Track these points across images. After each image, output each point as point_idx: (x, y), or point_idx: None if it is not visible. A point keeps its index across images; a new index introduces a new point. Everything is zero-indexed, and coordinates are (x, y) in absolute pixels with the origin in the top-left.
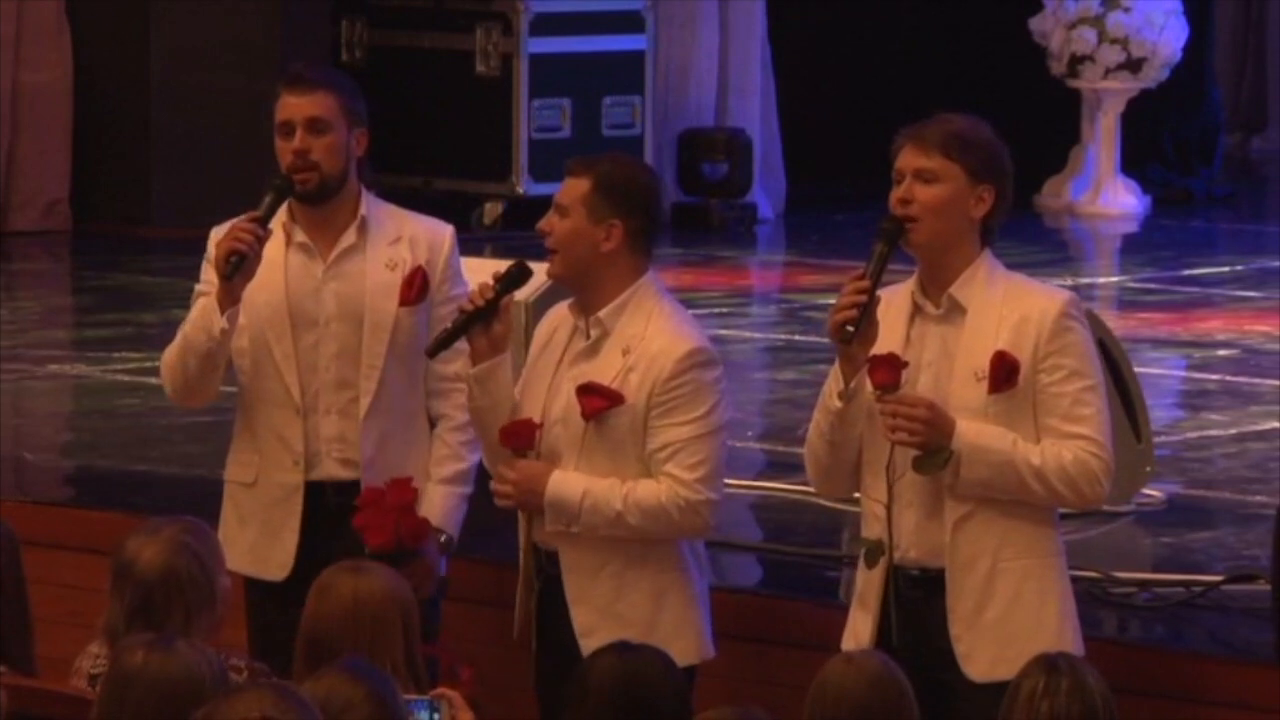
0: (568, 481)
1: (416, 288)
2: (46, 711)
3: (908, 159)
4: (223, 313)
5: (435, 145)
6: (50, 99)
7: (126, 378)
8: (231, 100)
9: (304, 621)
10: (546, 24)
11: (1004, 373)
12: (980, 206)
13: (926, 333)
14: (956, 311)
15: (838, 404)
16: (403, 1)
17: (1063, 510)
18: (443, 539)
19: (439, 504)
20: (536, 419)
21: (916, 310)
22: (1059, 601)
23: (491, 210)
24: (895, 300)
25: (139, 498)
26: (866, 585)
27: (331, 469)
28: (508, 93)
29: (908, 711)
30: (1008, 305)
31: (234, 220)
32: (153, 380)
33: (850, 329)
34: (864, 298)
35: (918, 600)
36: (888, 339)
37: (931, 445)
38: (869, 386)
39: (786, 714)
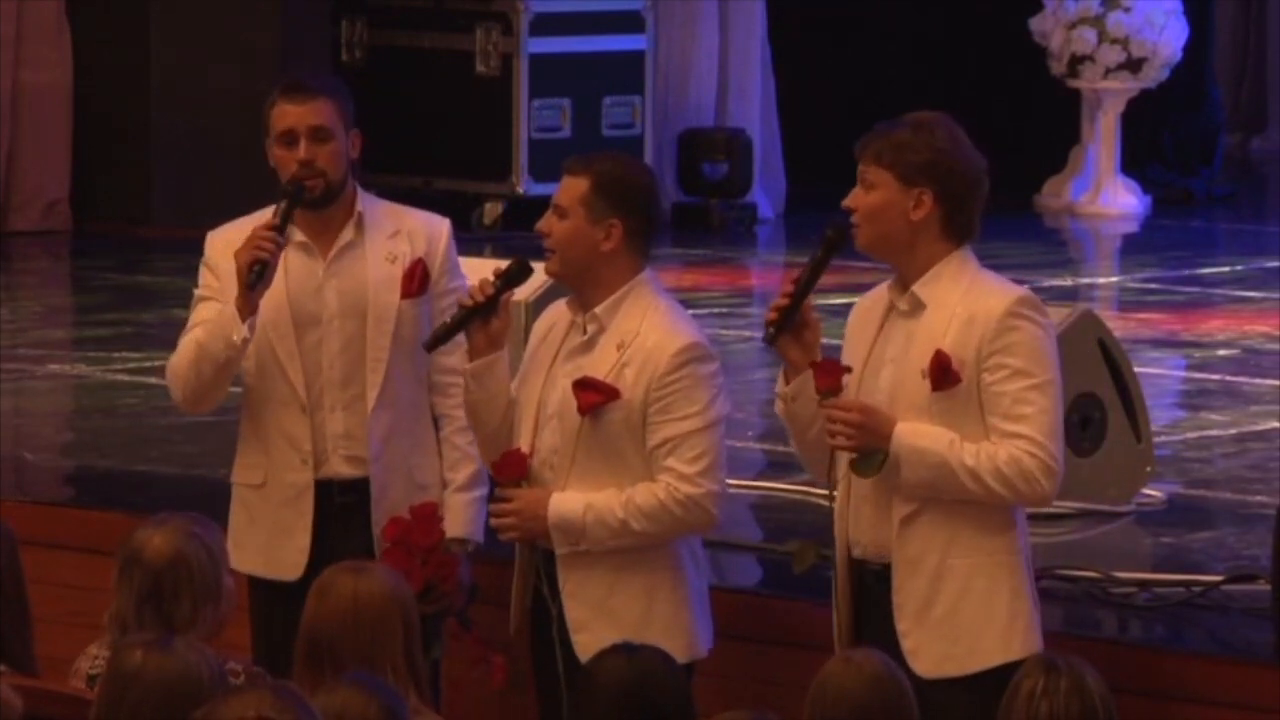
0: (568, 500)
1: (417, 279)
2: (46, 711)
3: (859, 167)
4: (243, 321)
5: (435, 145)
6: (50, 99)
7: (126, 378)
8: (231, 100)
9: (304, 622)
10: (546, 24)
11: (940, 372)
12: (919, 210)
13: (895, 328)
14: (919, 308)
15: (780, 405)
16: (403, 1)
17: (1032, 511)
18: (469, 548)
19: (461, 514)
20: (533, 413)
21: (891, 306)
22: (1009, 600)
23: (491, 210)
24: (880, 297)
25: (139, 498)
26: (836, 580)
27: (338, 466)
28: (508, 93)
29: (908, 711)
30: (962, 304)
31: (230, 225)
32: (153, 380)
33: (772, 330)
34: (787, 301)
35: (881, 592)
36: (864, 333)
37: (867, 448)
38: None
39: (786, 714)
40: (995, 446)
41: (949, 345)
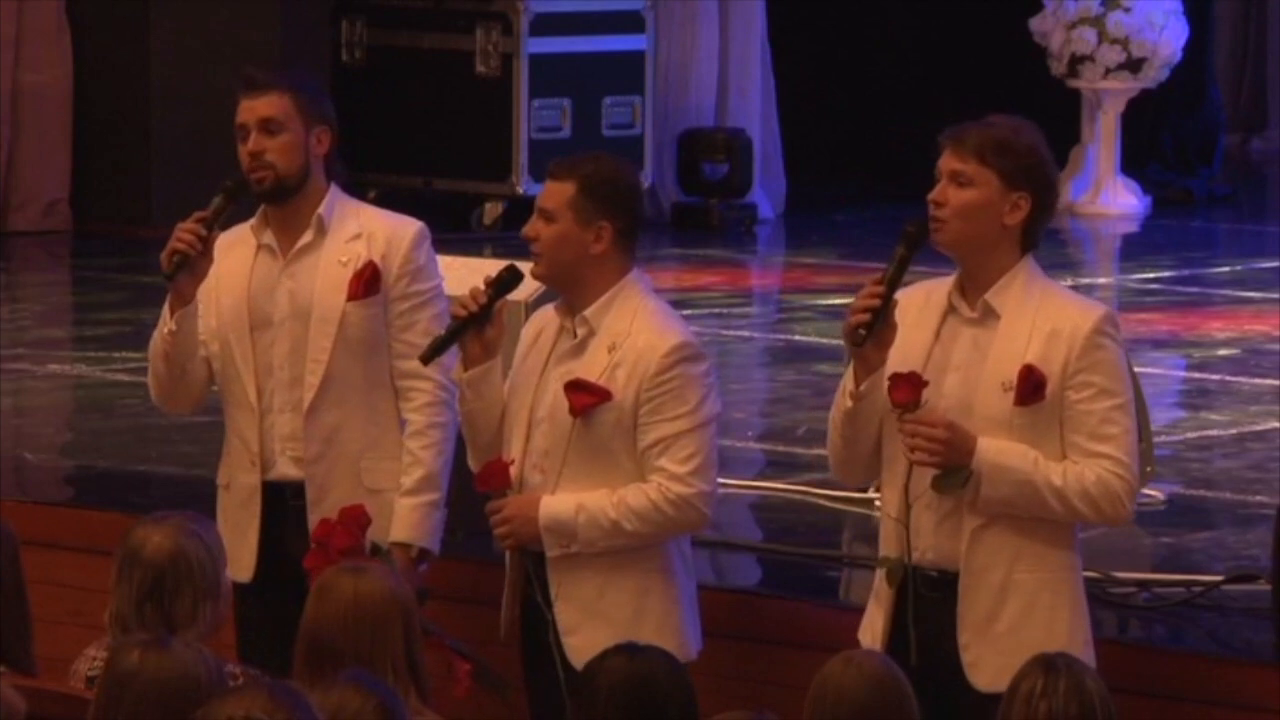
0: (559, 502)
1: (364, 281)
2: (46, 711)
3: (946, 161)
4: (172, 314)
5: (435, 145)
6: (50, 99)
7: (126, 378)
8: (231, 100)
9: (304, 622)
10: (546, 24)
11: (1030, 386)
12: (1015, 214)
13: (959, 334)
14: (991, 317)
15: (849, 403)
16: (403, 1)
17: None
18: (413, 553)
19: (405, 518)
20: (524, 417)
21: (951, 310)
22: (1070, 615)
23: (491, 210)
24: (933, 297)
25: (139, 498)
26: (882, 582)
27: (286, 468)
28: (508, 93)
29: (908, 712)
30: (1041, 316)
31: (228, 231)
32: None
33: (863, 332)
34: (878, 301)
35: (935, 601)
36: (918, 334)
37: (951, 465)
38: (884, 389)
39: (786, 714)
40: (1081, 467)
41: (1032, 360)
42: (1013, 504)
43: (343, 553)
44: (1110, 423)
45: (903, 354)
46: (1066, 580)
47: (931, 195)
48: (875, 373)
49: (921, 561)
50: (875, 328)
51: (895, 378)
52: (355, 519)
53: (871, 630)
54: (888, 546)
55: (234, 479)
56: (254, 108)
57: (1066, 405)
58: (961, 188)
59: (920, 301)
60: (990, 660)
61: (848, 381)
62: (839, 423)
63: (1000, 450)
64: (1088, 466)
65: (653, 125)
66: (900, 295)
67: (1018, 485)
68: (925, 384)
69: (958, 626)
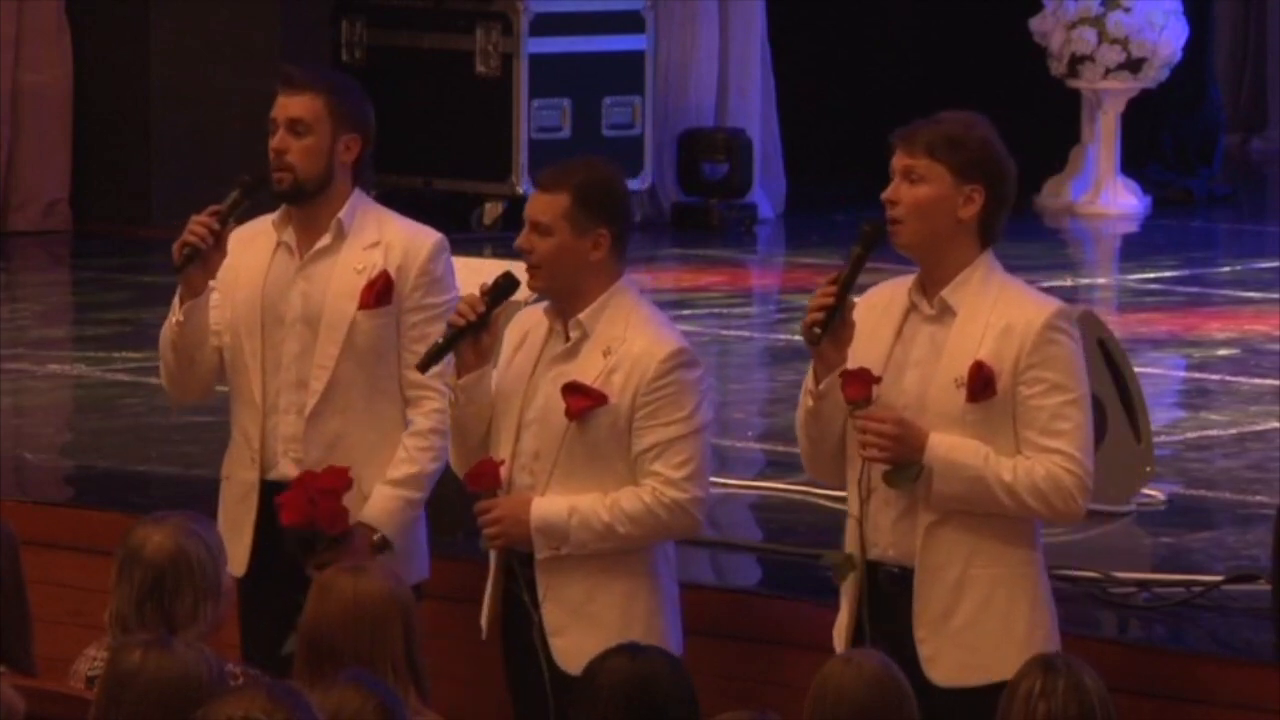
0: (552, 504)
1: (376, 291)
2: (46, 711)
3: (897, 158)
4: (181, 305)
5: (435, 145)
6: (50, 99)
7: (126, 378)
8: (231, 100)
9: (304, 622)
10: (546, 24)
11: (980, 383)
12: (969, 207)
13: (918, 331)
14: (948, 314)
15: (810, 403)
16: (403, 1)
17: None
18: (376, 537)
19: (378, 503)
20: (513, 419)
21: (912, 307)
22: (1029, 611)
23: (491, 210)
24: (896, 295)
25: (139, 498)
26: (849, 580)
27: (287, 469)
28: (508, 93)
29: (908, 712)
30: (996, 312)
31: (248, 224)
32: (153, 380)
33: (818, 331)
34: (833, 300)
35: (895, 596)
36: (880, 333)
37: (902, 460)
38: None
39: (786, 714)
40: (1032, 462)
41: (985, 356)
42: (965, 500)
43: (319, 490)
44: (1062, 418)
45: (865, 352)
46: (1026, 576)
47: (885, 194)
48: (835, 371)
49: (882, 558)
50: (830, 326)
51: (846, 374)
52: (339, 471)
53: (839, 628)
54: (850, 544)
55: (234, 474)
56: (286, 106)
57: (1019, 401)
58: (914, 184)
59: (885, 299)
60: (948, 655)
61: (809, 381)
62: (803, 422)
63: (952, 446)
64: (1038, 462)
65: (653, 125)
66: (868, 293)
67: (969, 481)
68: (876, 380)
69: (914, 622)
